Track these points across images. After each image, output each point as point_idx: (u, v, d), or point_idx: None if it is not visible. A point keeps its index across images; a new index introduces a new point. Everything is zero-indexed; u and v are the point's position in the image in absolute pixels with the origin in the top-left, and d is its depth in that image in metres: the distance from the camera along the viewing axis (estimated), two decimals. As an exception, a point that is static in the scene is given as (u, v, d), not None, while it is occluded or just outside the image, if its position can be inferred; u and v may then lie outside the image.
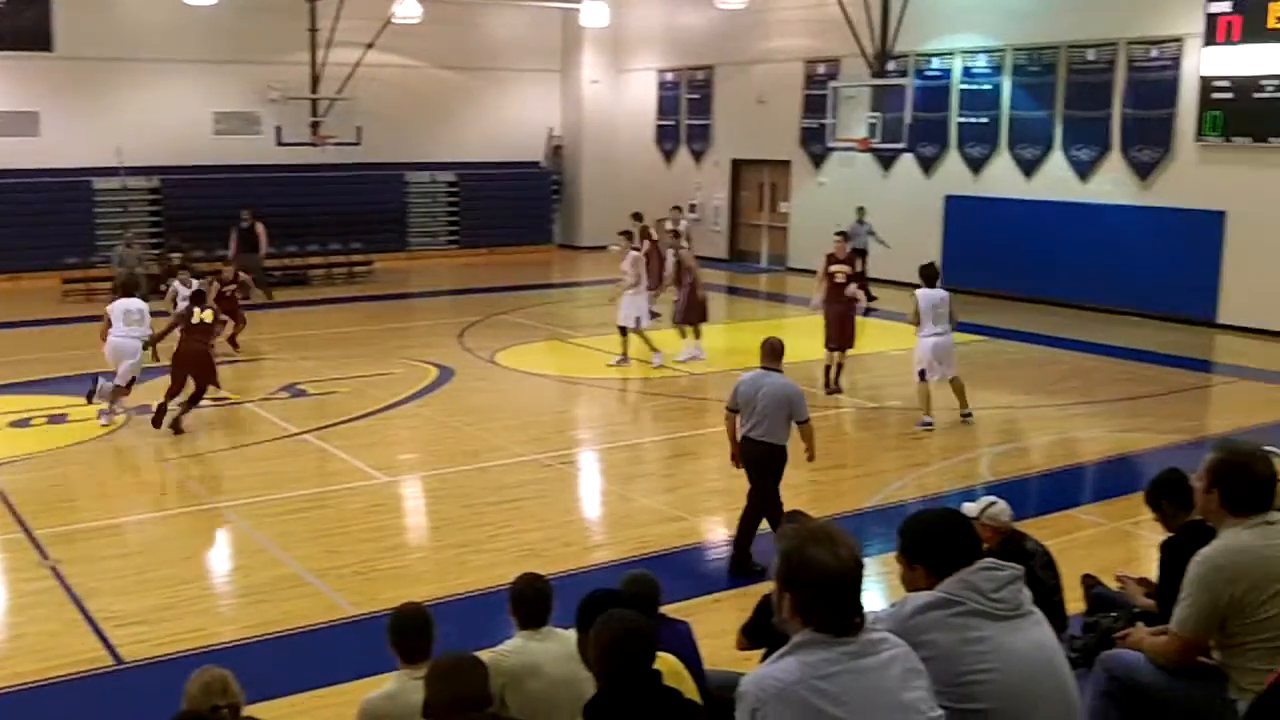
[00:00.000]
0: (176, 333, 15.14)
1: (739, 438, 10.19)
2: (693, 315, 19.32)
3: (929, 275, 15.22)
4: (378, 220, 31.55)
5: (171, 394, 14.66)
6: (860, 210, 24.73)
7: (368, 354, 19.63)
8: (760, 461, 10.10)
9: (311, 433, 14.92)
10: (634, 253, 18.97)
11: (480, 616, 9.03)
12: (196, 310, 15.20)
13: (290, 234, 28.40)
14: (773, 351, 10.28)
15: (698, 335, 19.35)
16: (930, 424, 15.01)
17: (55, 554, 10.54)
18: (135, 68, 28.69)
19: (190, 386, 14.80)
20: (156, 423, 14.58)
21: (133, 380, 15.16)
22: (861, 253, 22.85)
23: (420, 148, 32.87)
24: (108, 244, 27.55)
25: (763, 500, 10.11)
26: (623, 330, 18.78)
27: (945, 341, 15.07)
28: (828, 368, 17.08)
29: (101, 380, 15.13)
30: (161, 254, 27.90)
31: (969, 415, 15.24)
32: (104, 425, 14.90)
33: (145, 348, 15.25)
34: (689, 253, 19.89)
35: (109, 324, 15.22)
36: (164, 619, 9.13)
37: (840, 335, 16.96)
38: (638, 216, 20.96)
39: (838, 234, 17.98)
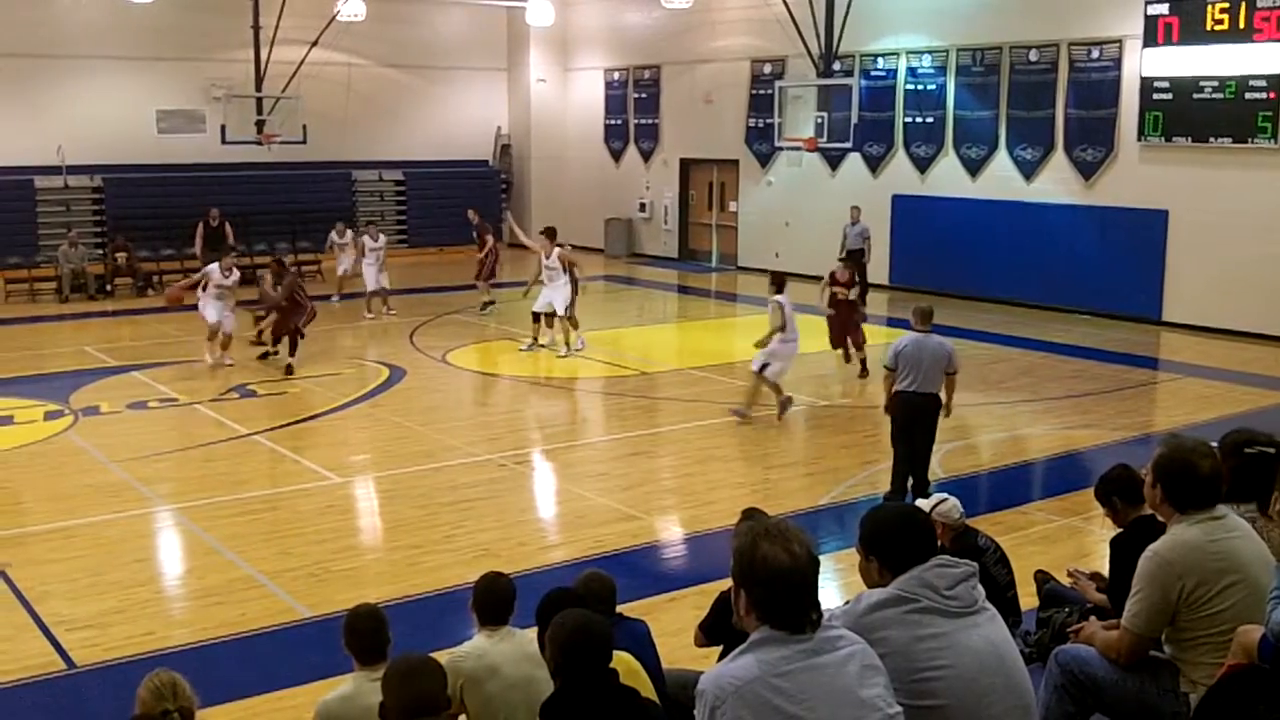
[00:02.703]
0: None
1: (893, 392, 11.80)
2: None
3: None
4: (325, 219, 31.30)
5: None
6: (855, 210, 24.44)
7: (318, 354, 19.47)
8: (915, 410, 11.68)
9: (263, 433, 14.84)
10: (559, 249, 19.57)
11: (435, 617, 9.05)
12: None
13: (237, 233, 28.25)
14: (924, 315, 11.99)
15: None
16: None
17: (4, 557, 10.42)
18: (76, 65, 28.38)
19: None
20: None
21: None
22: (858, 253, 22.88)
23: (367, 147, 32.75)
24: (51, 244, 27.36)
25: (912, 449, 11.79)
26: (541, 317, 19.64)
27: None
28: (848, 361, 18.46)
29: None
30: (106, 253, 27.70)
31: None
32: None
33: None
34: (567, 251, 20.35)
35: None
36: (116, 622, 9.05)
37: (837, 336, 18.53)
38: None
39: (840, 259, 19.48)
